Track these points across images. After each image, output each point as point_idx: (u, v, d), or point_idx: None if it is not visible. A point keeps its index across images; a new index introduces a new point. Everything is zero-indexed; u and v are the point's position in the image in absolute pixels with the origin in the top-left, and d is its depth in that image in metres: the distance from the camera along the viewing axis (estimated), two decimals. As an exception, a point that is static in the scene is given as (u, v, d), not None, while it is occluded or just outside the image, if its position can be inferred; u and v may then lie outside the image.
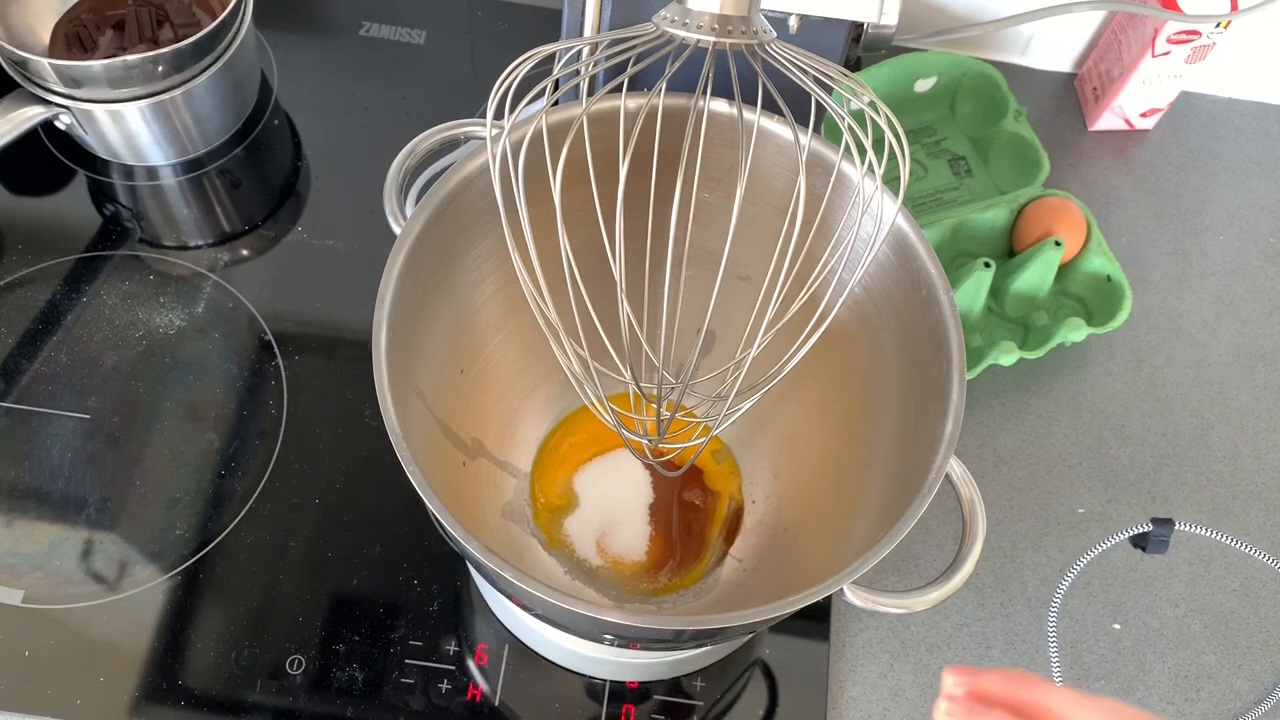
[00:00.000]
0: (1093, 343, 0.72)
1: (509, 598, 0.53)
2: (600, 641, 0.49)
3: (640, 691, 0.59)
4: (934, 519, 0.66)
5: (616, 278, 0.44)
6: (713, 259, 0.45)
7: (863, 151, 0.43)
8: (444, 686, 0.58)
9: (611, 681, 0.59)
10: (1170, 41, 0.75)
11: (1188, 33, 0.74)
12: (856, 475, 0.55)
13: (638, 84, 0.45)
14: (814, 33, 0.61)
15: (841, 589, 0.46)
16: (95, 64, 0.65)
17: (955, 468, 0.48)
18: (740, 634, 0.58)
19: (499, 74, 0.43)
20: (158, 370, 0.67)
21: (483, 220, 0.52)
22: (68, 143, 0.74)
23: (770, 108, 0.42)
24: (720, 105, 0.49)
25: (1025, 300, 0.71)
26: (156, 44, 0.70)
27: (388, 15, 0.83)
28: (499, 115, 0.43)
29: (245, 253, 0.72)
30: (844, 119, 0.43)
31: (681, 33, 0.42)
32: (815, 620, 0.62)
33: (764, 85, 0.42)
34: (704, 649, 0.57)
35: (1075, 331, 0.69)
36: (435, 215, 0.50)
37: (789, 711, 0.60)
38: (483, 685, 0.59)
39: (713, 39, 0.41)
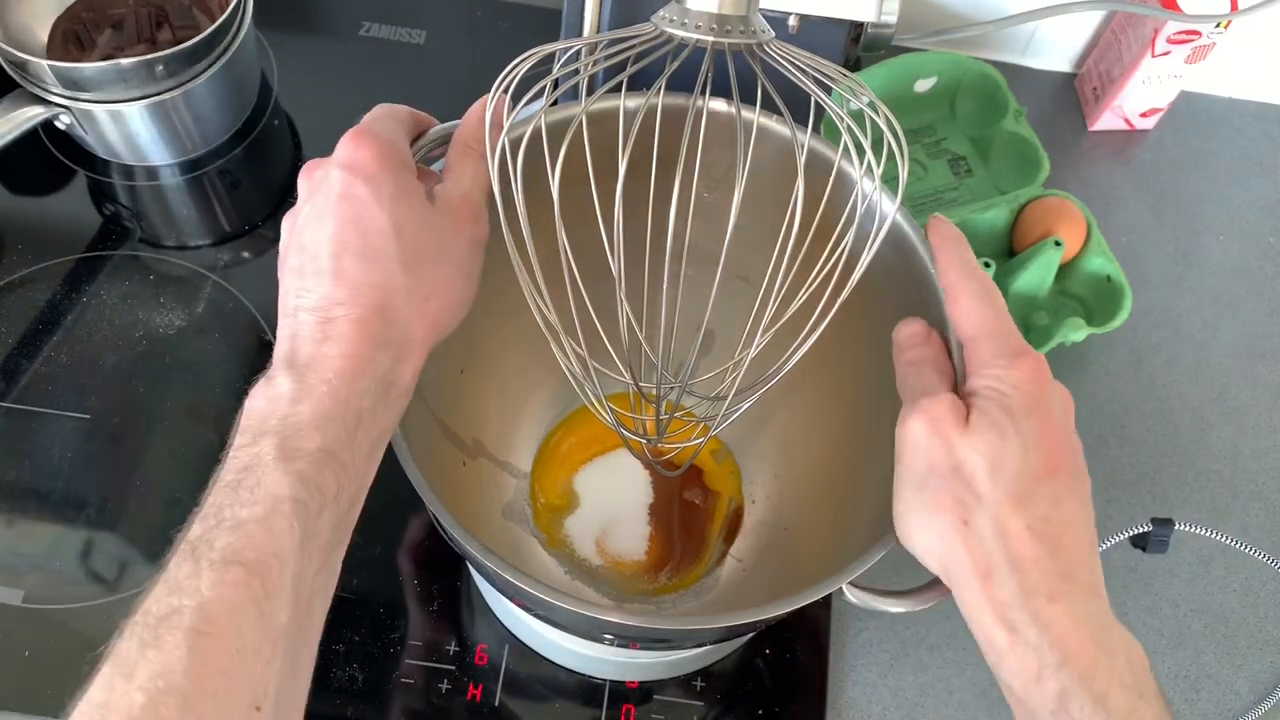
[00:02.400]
0: (1093, 343, 0.72)
1: (509, 598, 0.53)
2: (600, 641, 0.49)
3: (640, 691, 0.59)
4: (934, 519, 0.66)
5: (616, 277, 0.44)
6: (712, 258, 0.45)
7: (861, 152, 0.43)
8: (444, 686, 0.58)
9: (611, 681, 0.59)
10: (1170, 41, 0.75)
11: (1188, 33, 0.74)
12: (856, 475, 0.55)
13: (637, 84, 0.45)
14: (814, 33, 0.61)
15: (841, 589, 0.46)
16: (93, 66, 0.65)
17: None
18: (740, 634, 0.58)
19: (499, 74, 0.43)
20: (158, 370, 0.67)
21: (482, 220, 0.52)
22: (68, 143, 0.74)
23: (769, 108, 0.42)
24: (719, 105, 0.49)
25: (1025, 300, 0.71)
26: (155, 45, 0.71)
27: (388, 15, 0.83)
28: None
29: (245, 253, 0.72)
30: (843, 119, 0.43)
31: (680, 32, 0.42)
32: (815, 620, 0.62)
33: (763, 85, 0.42)
34: (704, 649, 0.57)
35: (1075, 331, 0.69)
36: (435, 215, 0.50)
37: (789, 711, 0.60)
38: (483, 685, 0.59)
39: (711, 39, 0.41)
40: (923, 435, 0.40)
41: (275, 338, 0.42)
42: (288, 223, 0.44)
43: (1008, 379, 0.40)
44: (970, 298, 0.42)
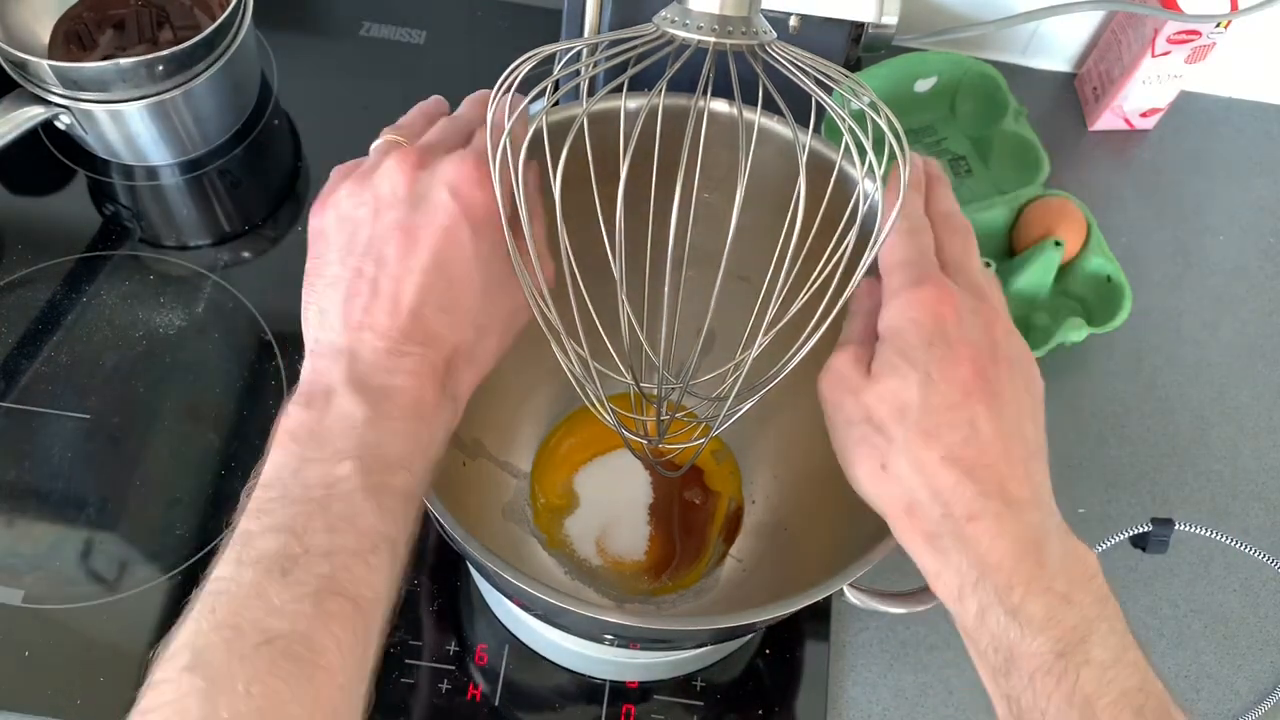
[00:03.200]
0: (1093, 343, 0.72)
1: (509, 598, 0.53)
2: (600, 641, 0.49)
3: (640, 691, 0.59)
4: (934, 519, 0.66)
5: (617, 278, 0.44)
6: (713, 259, 0.45)
7: (863, 152, 0.43)
8: (444, 686, 0.58)
9: (611, 681, 0.59)
10: (1170, 41, 0.75)
11: (1188, 33, 0.74)
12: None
13: (638, 84, 0.44)
14: (814, 33, 0.61)
15: (841, 589, 0.46)
16: (94, 65, 0.65)
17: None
18: (740, 634, 0.58)
19: (499, 74, 0.43)
20: (158, 370, 0.67)
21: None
22: (68, 143, 0.74)
23: (770, 108, 0.42)
24: (720, 105, 0.49)
25: (1025, 300, 0.71)
26: (156, 45, 0.70)
27: (388, 15, 0.83)
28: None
29: (245, 253, 0.72)
30: (844, 119, 0.43)
31: (681, 33, 0.42)
32: (815, 620, 0.62)
33: (764, 86, 0.42)
34: (704, 649, 0.57)
35: (1075, 331, 0.69)
36: (435, 215, 0.50)
37: (789, 711, 0.60)
38: (483, 685, 0.59)
39: (712, 39, 0.41)
40: (828, 390, 0.42)
41: (307, 324, 0.40)
42: (353, 193, 0.40)
43: (905, 313, 0.40)
44: (894, 234, 0.42)
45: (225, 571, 0.34)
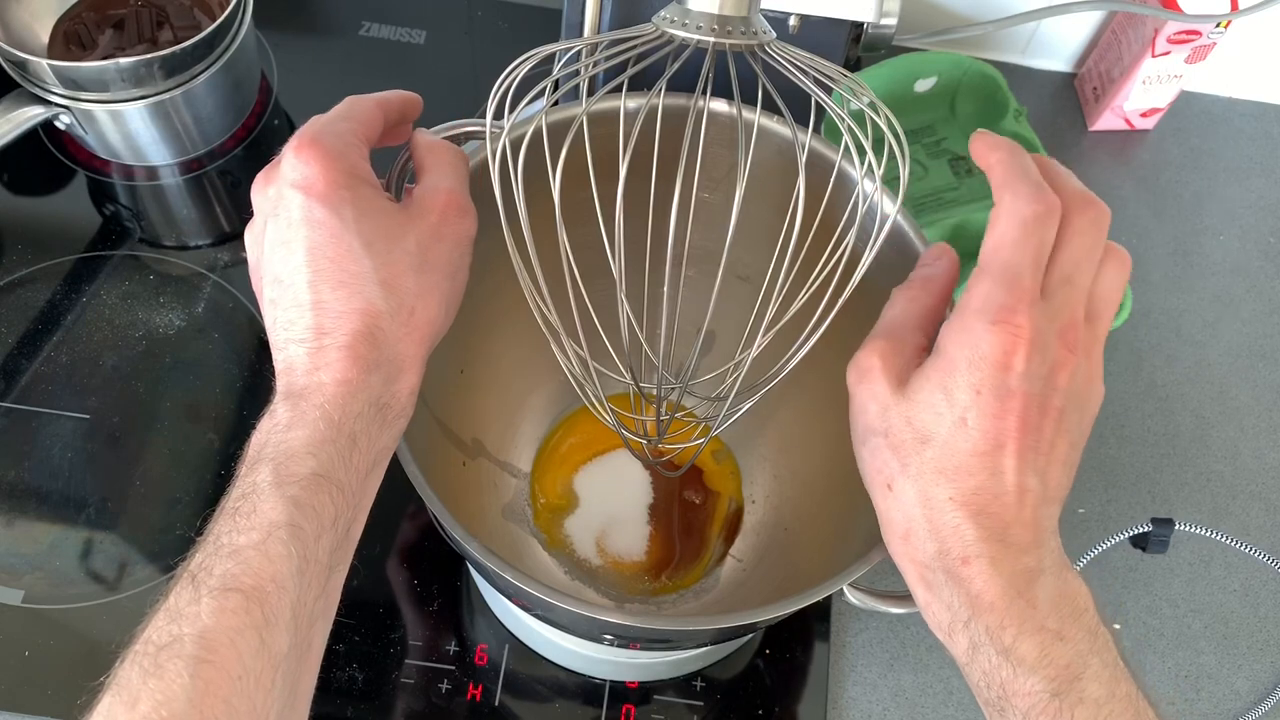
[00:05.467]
0: (1093, 343, 0.72)
1: (509, 598, 0.53)
2: (600, 641, 0.49)
3: (640, 691, 0.59)
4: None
5: (616, 277, 0.44)
6: (713, 259, 0.45)
7: (862, 152, 0.43)
8: (444, 686, 0.59)
9: (611, 681, 0.59)
10: (1170, 41, 0.75)
11: (1188, 33, 0.74)
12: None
13: (638, 84, 0.45)
14: (814, 33, 0.61)
15: (841, 589, 0.46)
16: (93, 65, 0.65)
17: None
18: (740, 634, 0.58)
19: (499, 74, 0.43)
20: (158, 370, 0.67)
21: (482, 220, 0.52)
22: (68, 142, 0.74)
23: (770, 108, 0.42)
24: (720, 105, 0.49)
25: (1025, 300, 0.71)
26: (155, 45, 0.71)
27: (388, 15, 0.83)
28: (499, 115, 0.43)
29: (245, 253, 0.72)
30: (843, 119, 0.43)
31: (681, 33, 0.42)
32: (815, 620, 0.62)
33: (764, 86, 0.42)
34: (704, 649, 0.57)
35: (1075, 331, 0.69)
36: (435, 215, 0.50)
37: (789, 711, 0.60)
38: (482, 685, 0.59)
39: (712, 39, 0.41)
40: (855, 385, 0.41)
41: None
42: (251, 242, 0.43)
43: (964, 349, 0.37)
44: (1007, 217, 0.38)
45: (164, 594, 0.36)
